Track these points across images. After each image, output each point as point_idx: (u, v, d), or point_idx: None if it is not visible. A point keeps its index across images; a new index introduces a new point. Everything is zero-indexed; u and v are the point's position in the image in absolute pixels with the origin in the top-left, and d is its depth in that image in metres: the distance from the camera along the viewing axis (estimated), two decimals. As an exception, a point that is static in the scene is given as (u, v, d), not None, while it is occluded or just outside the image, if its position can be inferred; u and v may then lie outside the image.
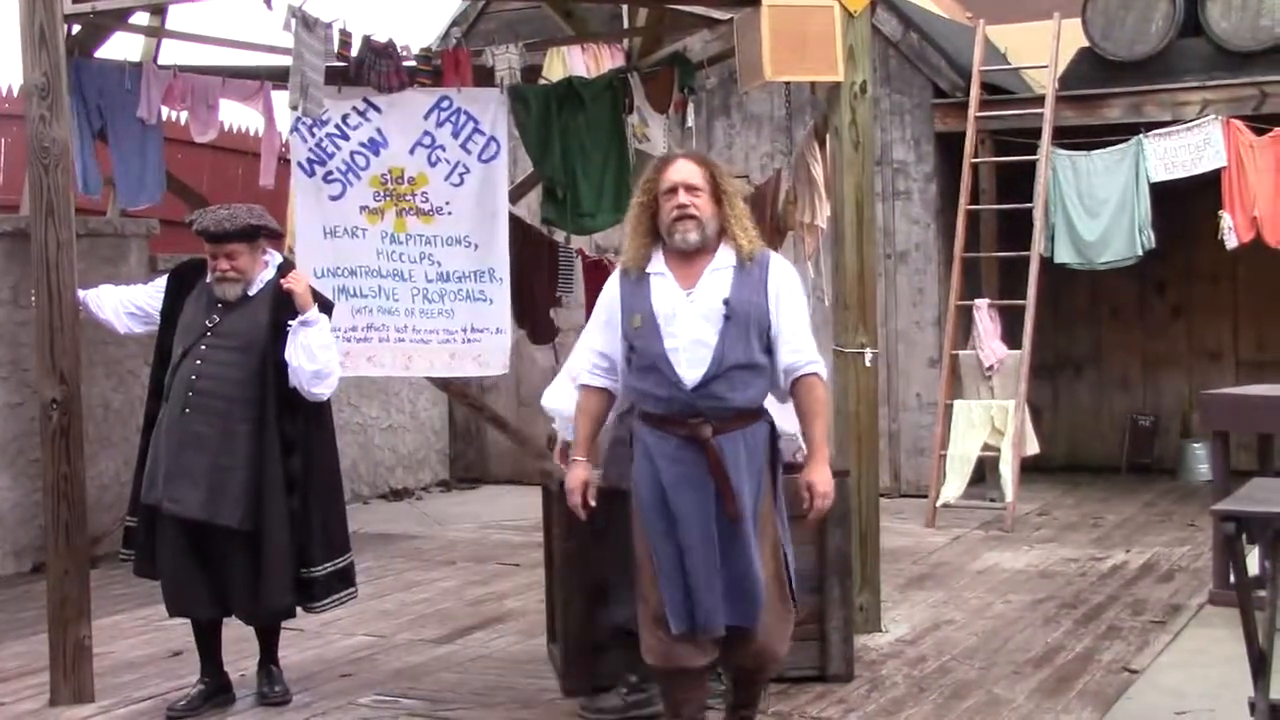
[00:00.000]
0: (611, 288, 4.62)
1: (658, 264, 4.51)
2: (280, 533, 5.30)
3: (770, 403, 4.70)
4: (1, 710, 5.55)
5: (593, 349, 4.66)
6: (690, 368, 4.39)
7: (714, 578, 4.40)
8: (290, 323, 5.33)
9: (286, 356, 5.31)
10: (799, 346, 4.47)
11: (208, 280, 5.46)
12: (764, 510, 4.48)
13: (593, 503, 4.66)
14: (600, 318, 4.64)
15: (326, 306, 5.57)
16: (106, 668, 5.98)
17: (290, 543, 5.33)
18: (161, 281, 5.66)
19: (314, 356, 5.32)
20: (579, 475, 4.65)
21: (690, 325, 4.41)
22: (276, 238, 5.77)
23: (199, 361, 5.34)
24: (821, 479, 4.50)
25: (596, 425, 4.73)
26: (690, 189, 4.44)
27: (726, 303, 4.40)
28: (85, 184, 7.20)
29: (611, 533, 5.25)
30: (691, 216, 4.43)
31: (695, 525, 4.41)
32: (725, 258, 4.47)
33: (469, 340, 7.47)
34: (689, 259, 4.48)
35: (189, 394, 5.32)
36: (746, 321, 4.40)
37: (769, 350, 4.47)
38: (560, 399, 5.22)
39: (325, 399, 5.45)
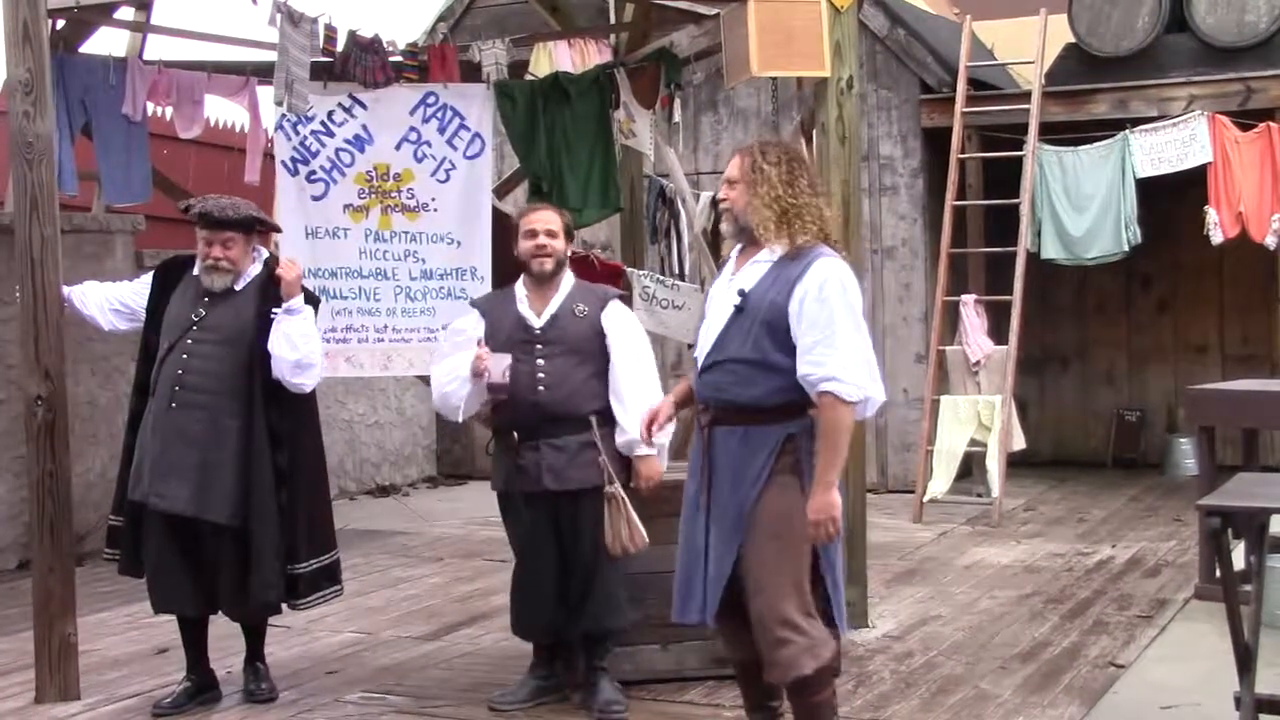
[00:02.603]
0: None
1: (736, 249, 4.47)
2: (269, 527, 5.29)
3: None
4: (-13, 708, 5.55)
5: None
6: (703, 353, 4.37)
7: (696, 569, 4.36)
8: (274, 311, 5.32)
9: (269, 346, 5.29)
10: (818, 359, 4.14)
11: (195, 271, 5.45)
12: (769, 513, 4.22)
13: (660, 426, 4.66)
14: None
15: (312, 301, 5.56)
16: (92, 665, 5.96)
17: (279, 538, 5.33)
18: (147, 278, 5.64)
19: (295, 345, 5.30)
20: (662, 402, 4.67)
21: (717, 312, 4.36)
22: (273, 232, 5.77)
23: (185, 356, 5.33)
24: (817, 506, 4.17)
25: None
26: (729, 182, 4.41)
27: (741, 293, 4.28)
28: (61, 182, 7.16)
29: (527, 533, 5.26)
30: (726, 209, 4.42)
31: (693, 514, 4.40)
32: (769, 252, 4.32)
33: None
34: (750, 248, 4.38)
35: (175, 388, 5.31)
36: (762, 319, 4.23)
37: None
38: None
39: (307, 390, 5.42)
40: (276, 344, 5.30)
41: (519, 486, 5.26)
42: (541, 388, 5.22)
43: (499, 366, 5.18)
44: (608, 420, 5.24)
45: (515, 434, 5.25)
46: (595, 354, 5.25)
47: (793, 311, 4.19)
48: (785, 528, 4.22)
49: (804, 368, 4.16)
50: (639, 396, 5.18)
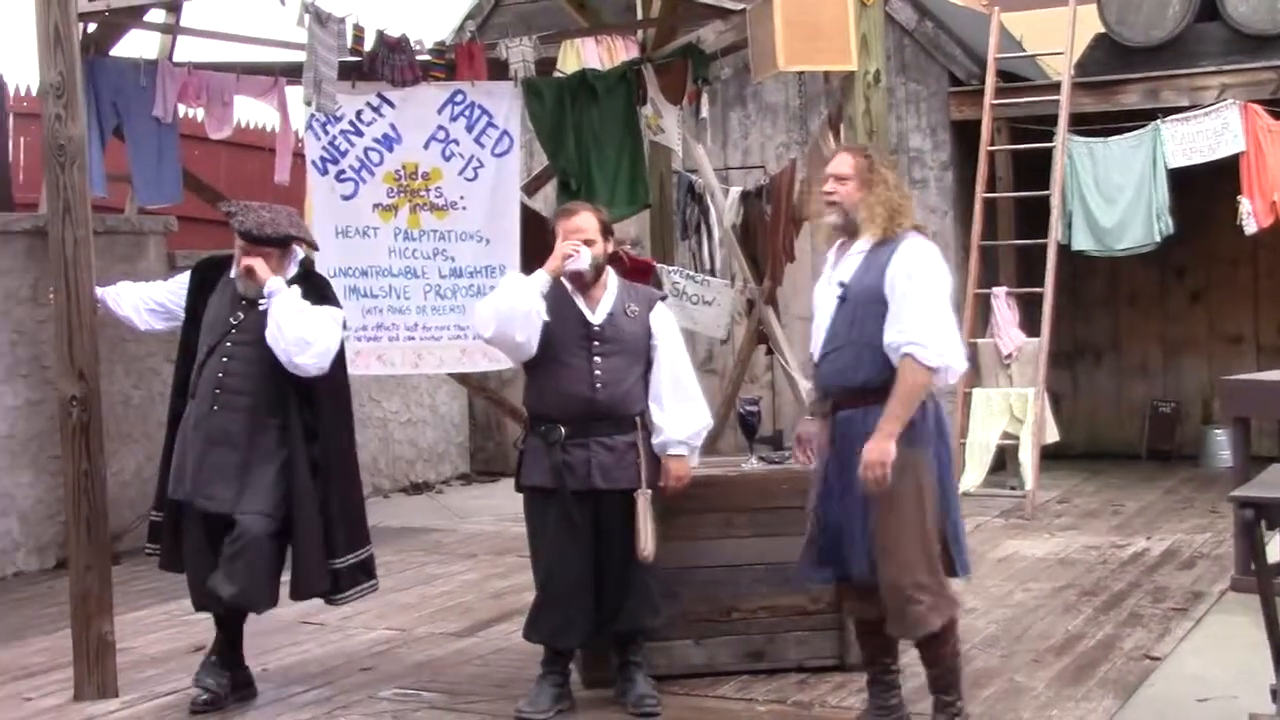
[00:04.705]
0: None
1: (836, 245, 4.84)
2: (313, 523, 5.32)
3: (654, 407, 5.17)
4: (27, 705, 5.59)
5: None
6: (818, 346, 4.75)
7: (843, 534, 4.68)
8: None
9: (267, 339, 5.27)
10: (904, 326, 4.51)
11: (232, 275, 5.48)
12: (893, 485, 4.50)
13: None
14: None
15: (317, 286, 5.50)
16: (130, 663, 6.00)
17: (322, 532, 5.36)
18: (183, 278, 5.67)
19: (282, 331, 5.23)
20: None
21: (824, 307, 4.75)
22: (309, 248, 5.73)
23: (225, 359, 5.36)
24: (870, 449, 4.49)
25: None
26: (839, 179, 4.74)
27: (842, 285, 4.68)
28: (91, 184, 7.21)
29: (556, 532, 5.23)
30: (833, 203, 4.75)
31: (834, 490, 4.71)
32: (864, 242, 4.69)
33: (479, 335, 7.46)
34: (847, 242, 4.77)
35: (216, 391, 5.33)
36: (862, 303, 4.60)
37: None
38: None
39: (313, 372, 5.31)
40: (270, 337, 5.26)
41: (567, 484, 5.17)
42: (599, 385, 5.17)
43: (585, 252, 5.14)
44: (645, 422, 5.24)
45: (563, 429, 5.18)
46: (643, 355, 5.26)
47: (888, 290, 4.56)
48: (908, 497, 4.56)
49: (889, 335, 4.53)
50: (681, 399, 5.24)
